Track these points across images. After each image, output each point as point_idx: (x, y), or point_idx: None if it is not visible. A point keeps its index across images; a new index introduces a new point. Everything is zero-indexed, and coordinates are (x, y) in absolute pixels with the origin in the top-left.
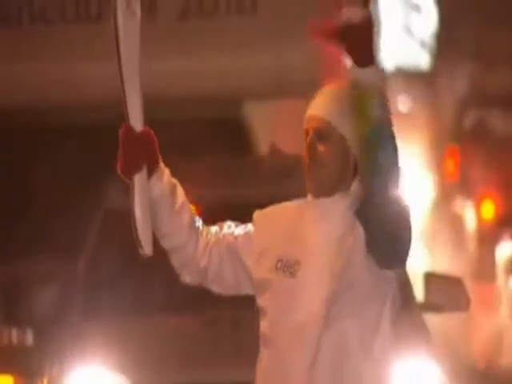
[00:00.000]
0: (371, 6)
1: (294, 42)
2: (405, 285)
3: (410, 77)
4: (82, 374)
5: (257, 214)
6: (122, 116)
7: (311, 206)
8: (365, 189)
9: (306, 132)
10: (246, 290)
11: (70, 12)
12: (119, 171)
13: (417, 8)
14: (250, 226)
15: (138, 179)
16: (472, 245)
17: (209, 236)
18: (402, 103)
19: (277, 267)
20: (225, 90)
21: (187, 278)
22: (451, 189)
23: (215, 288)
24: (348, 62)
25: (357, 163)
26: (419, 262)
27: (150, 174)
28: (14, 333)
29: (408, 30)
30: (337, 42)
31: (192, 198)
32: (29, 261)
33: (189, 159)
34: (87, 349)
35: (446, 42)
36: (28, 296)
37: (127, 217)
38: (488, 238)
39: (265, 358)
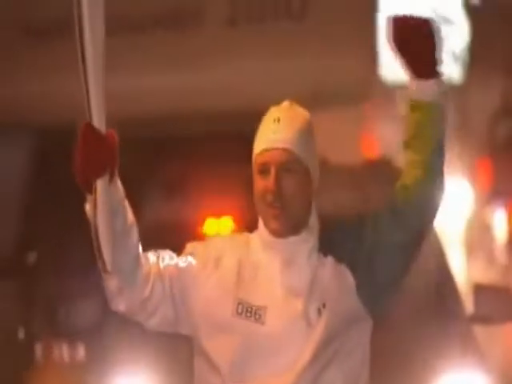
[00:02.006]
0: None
1: (340, 51)
2: (453, 297)
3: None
4: None
5: (194, 246)
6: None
7: (276, 245)
8: (379, 227)
9: (263, 166)
10: (183, 329)
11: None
12: (79, 175)
13: (449, 22)
14: (190, 259)
15: (101, 186)
16: (504, 253)
17: (149, 265)
18: None
19: (238, 312)
20: (261, 99)
21: (120, 305)
22: (483, 199)
23: (151, 323)
24: (408, 73)
25: (313, 195)
26: (462, 272)
27: (109, 182)
28: (65, 348)
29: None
30: (398, 51)
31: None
32: (79, 274)
33: (229, 170)
34: (127, 360)
35: (477, 55)
36: (77, 309)
37: (164, 228)
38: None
39: None
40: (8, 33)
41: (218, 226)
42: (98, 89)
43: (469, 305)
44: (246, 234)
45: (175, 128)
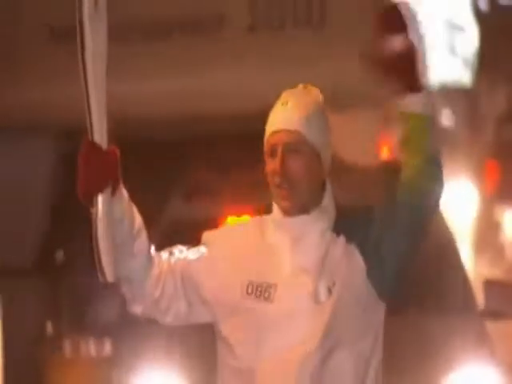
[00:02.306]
0: (414, 28)
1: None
2: (467, 293)
3: (453, 92)
4: (146, 380)
5: (208, 236)
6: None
7: (285, 224)
8: (385, 219)
9: (272, 148)
10: (202, 318)
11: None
12: (81, 191)
13: (460, 28)
14: (202, 249)
15: (102, 200)
16: (510, 247)
17: (161, 264)
18: (445, 118)
19: (248, 292)
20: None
21: (138, 309)
22: (491, 199)
23: (166, 320)
24: (395, 89)
25: (325, 176)
26: (471, 269)
27: (112, 194)
28: (92, 343)
29: (452, 49)
30: (382, 72)
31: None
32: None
33: (249, 171)
34: (152, 355)
35: (487, 60)
36: (103, 306)
37: (189, 227)
38: None
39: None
40: (34, 36)
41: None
42: (99, 106)
43: (480, 300)
44: (259, 217)
45: (198, 130)
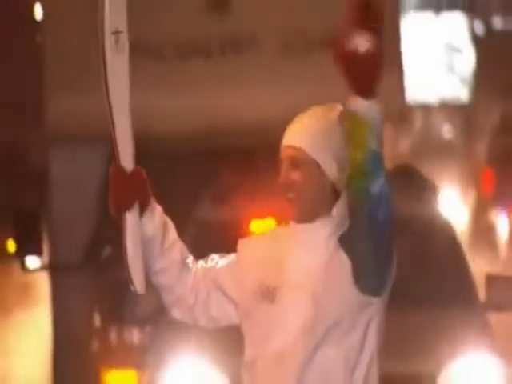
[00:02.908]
0: (382, 33)
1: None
2: (469, 286)
3: (452, 108)
4: (181, 366)
5: (240, 243)
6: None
7: (293, 231)
8: (351, 216)
9: (281, 161)
10: (231, 321)
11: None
12: (111, 210)
13: (458, 50)
14: (232, 256)
15: (130, 217)
16: (505, 248)
17: (196, 272)
18: (446, 131)
19: (256, 293)
20: None
21: (177, 314)
22: (487, 203)
23: (203, 322)
24: (350, 90)
25: (335, 188)
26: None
27: (142, 211)
28: (135, 331)
29: (451, 69)
30: (342, 68)
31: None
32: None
33: (271, 178)
34: (182, 343)
35: (482, 79)
36: (141, 299)
37: (215, 229)
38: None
39: (248, 382)
40: (89, 53)
41: (263, 225)
42: (125, 133)
43: (481, 294)
44: (281, 226)
45: (227, 141)
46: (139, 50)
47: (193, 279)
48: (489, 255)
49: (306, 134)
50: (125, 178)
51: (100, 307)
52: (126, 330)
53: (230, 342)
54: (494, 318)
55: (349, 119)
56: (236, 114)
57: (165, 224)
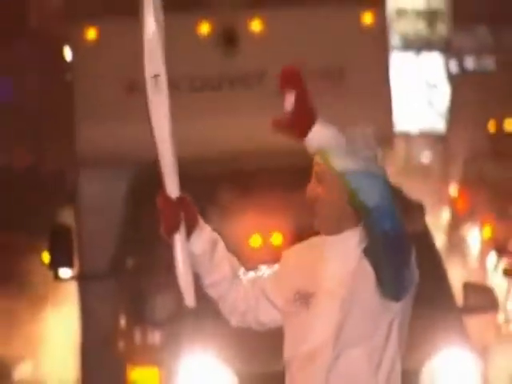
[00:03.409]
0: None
1: (368, 106)
2: (448, 292)
3: (430, 137)
4: (192, 363)
5: (284, 253)
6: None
7: (324, 243)
8: (364, 230)
9: (312, 174)
10: (277, 323)
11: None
12: (162, 232)
13: (436, 87)
14: (276, 266)
15: (178, 239)
16: (476, 257)
17: (246, 282)
18: (425, 157)
19: (294, 299)
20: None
21: (233, 321)
22: (461, 218)
23: (254, 327)
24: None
25: None
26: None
27: (191, 232)
28: (156, 332)
29: (430, 103)
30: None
31: None
32: (162, 277)
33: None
34: (197, 342)
35: (456, 112)
36: (161, 303)
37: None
38: (486, 252)
39: (288, 378)
40: (113, 89)
41: (268, 239)
42: (169, 163)
43: (459, 299)
44: (318, 237)
45: (234, 164)
46: None
47: (243, 289)
48: (462, 265)
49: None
50: (171, 204)
51: (125, 311)
52: (149, 331)
53: (238, 341)
54: (469, 319)
55: (319, 155)
56: (242, 141)
57: (213, 242)
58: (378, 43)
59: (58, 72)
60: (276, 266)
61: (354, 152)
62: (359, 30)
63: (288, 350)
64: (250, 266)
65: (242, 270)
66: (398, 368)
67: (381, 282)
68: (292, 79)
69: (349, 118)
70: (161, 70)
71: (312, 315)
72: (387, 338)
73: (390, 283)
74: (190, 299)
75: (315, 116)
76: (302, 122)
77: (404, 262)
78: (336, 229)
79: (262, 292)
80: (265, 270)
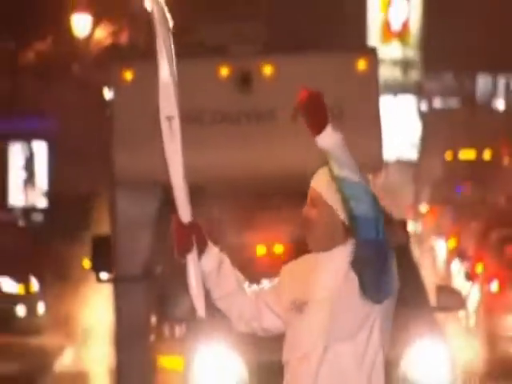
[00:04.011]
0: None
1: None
2: (422, 293)
3: (405, 164)
4: (206, 352)
5: (283, 267)
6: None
7: (316, 259)
8: (354, 239)
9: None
10: (280, 330)
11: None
12: (175, 252)
13: (409, 123)
14: (276, 280)
15: (190, 259)
16: (442, 263)
17: (251, 294)
18: (400, 181)
19: (290, 308)
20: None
21: (241, 328)
22: (429, 232)
23: (260, 333)
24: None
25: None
26: None
27: (201, 253)
28: (179, 326)
29: (404, 136)
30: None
31: None
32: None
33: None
34: (213, 334)
35: (426, 142)
36: (181, 303)
37: (232, 250)
38: (451, 259)
39: (286, 378)
40: (146, 122)
41: (271, 249)
42: (182, 192)
43: (432, 299)
44: (312, 253)
45: (246, 186)
46: (185, 117)
47: (248, 300)
48: (431, 269)
49: (325, 181)
50: (183, 228)
51: (154, 310)
52: (175, 326)
53: (247, 334)
54: (441, 316)
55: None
56: (255, 167)
57: (220, 261)
58: (370, 85)
59: (97, 109)
60: (276, 280)
61: (352, 165)
62: (355, 74)
63: (285, 354)
64: (257, 270)
65: (246, 284)
66: (380, 360)
67: (363, 286)
68: (311, 92)
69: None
70: (174, 112)
71: (304, 322)
72: (370, 335)
73: (371, 288)
74: (201, 311)
75: (328, 119)
76: (318, 118)
77: (384, 270)
78: (326, 246)
79: (265, 302)
80: (266, 283)
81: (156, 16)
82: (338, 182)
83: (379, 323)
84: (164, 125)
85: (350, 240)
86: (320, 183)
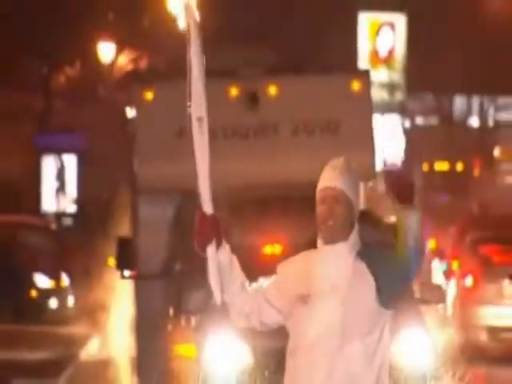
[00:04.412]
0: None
1: (358, 150)
2: (409, 290)
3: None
4: (216, 340)
5: (279, 266)
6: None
7: (321, 252)
8: (396, 272)
9: (322, 197)
10: (279, 323)
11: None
12: (196, 244)
13: (394, 139)
14: (273, 277)
15: (210, 251)
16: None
17: (251, 291)
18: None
19: (296, 300)
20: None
21: (240, 324)
22: None
23: (258, 327)
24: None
25: (354, 219)
26: None
27: (218, 247)
28: (192, 318)
29: (390, 150)
30: (388, 183)
31: None
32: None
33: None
34: (221, 324)
35: (409, 156)
36: (197, 296)
37: (242, 249)
38: (431, 258)
39: (290, 365)
40: (165, 136)
41: (276, 248)
42: (206, 185)
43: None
44: (308, 251)
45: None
46: None
47: (249, 296)
48: None
49: (343, 179)
50: (206, 220)
51: (171, 303)
52: (189, 318)
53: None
54: (423, 308)
55: (398, 219)
56: (262, 175)
57: (231, 259)
58: (364, 104)
59: (119, 126)
60: (274, 277)
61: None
62: (350, 93)
63: (291, 342)
64: (263, 266)
65: (247, 282)
66: (388, 360)
67: (381, 293)
68: (400, 174)
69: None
70: (204, 113)
71: (311, 311)
72: (380, 336)
73: (389, 297)
74: (218, 298)
75: (414, 196)
76: (406, 197)
77: (407, 288)
78: (339, 238)
79: (265, 298)
80: (263, 281)
81: (190, 28)
82: (404, 249)
83: (388, 325)
84: (195, 125)
85: (352, 235)
86: (340, 182)
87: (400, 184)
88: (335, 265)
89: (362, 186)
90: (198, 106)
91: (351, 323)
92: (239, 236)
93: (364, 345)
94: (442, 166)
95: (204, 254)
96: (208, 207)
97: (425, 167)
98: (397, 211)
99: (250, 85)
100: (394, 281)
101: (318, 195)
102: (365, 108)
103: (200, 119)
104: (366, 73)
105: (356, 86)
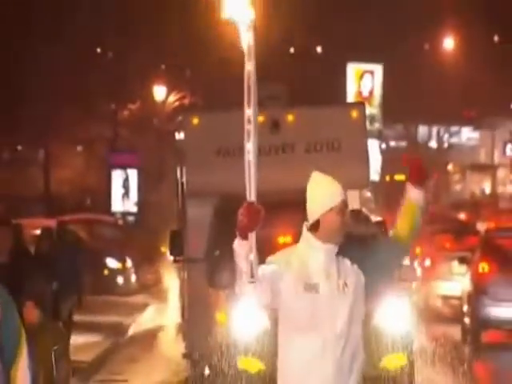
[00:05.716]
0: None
1: (355, 164)
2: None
3: (372, 184)
4: (241, 309)
5: (270, 258)
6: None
7: (320, 248)
8: (389, 262)
9: (341, 209)
10: (275, 306)
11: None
12: (241, 229)
13: (373, 157)
14: (273, 265)
15: (251, 236)
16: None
17: (260, 274)
18: (368, 197)
19: (305, 289)
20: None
21: (261, 300)
22: (389, 233)
23: (264, 305)
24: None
25: None
26: None
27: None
28: (224, 292)
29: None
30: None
31: None
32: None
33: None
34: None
35: (384, 170)
36: (228, 275)
37: (258, 240)
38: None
39: (298, 342)
40: (207, 154)
41: (285, 240)
42: (253, 176)
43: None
44: (296, 245)
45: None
46: (237, 152)
47: (258, 277)
48: None
49: (343, 191)
50: (253, 209)
51: (211, 280)
52: (223, 291)
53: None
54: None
55: (408, 203)
56: (280, 184)
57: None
58: (360, 128)
59: (168, 149)
60: (272, 265)
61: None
62: (350, 119)
63: (300, 322)
64: (276, 251)
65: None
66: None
67: (367, 283)
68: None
69: (344, 173)
70: (255, 116)
71: (324, 299)
72: (371, 315)
73: (372, 289)
74: (255, 277)
75: (425, 182)
76: (419, 179)
77: (391, 274)
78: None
79: (271, 283)
80: (264, 266)
81: (247, 45)
82: (418, 219)
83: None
84: (247, 125)
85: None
86: (344, 193)
87: (421, 169)
88: (327, 259)
89: (358, 192)
90: (251, 104)
91: (355, 308)
92: (261, 228)
93: (360, 325)
94: (399, 177)
95: (245, 238)
96: (253, 195)
97: (387, 178)
98: (414, 192)
99: (273, 114)
100: (375, 275)
101: (338, 207)
102: (361, 131)
103: (250, 120)
104: (362, 104)
105: (354, 114)
